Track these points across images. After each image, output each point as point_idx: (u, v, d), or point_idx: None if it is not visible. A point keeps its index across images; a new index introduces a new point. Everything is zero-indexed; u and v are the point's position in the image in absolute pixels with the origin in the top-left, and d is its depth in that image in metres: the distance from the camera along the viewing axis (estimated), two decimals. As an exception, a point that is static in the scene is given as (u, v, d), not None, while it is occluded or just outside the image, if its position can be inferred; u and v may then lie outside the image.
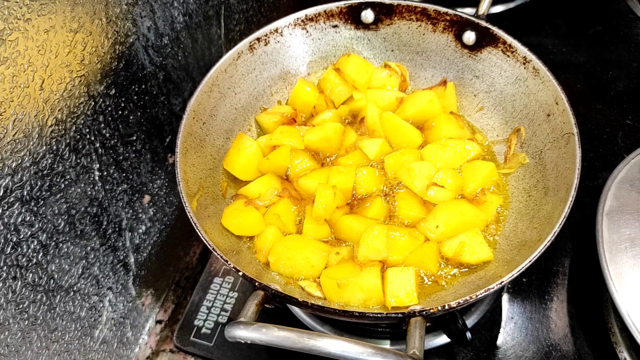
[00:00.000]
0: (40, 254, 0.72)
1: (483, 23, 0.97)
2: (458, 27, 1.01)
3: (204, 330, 0.99)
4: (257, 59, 1.03)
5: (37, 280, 0.72)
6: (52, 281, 0.75)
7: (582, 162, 0.79)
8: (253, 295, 0.69)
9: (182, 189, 0.81)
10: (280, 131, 0.98)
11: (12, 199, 0.66)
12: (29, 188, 0.68)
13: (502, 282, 0.69)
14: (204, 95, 0.93)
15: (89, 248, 0.82)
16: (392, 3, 1.03)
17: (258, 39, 1.01)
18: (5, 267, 0.66)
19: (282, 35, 1.04)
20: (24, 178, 0.67)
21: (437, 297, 0.81)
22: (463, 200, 0.89)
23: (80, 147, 0.77)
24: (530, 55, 0.93)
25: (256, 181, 0.93)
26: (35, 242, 0.71)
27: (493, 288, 0.68)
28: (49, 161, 0.71)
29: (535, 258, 0.70)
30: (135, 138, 0.91)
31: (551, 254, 1.03)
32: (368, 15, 1.05)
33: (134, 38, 0.85)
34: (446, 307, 0.67)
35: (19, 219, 0.67)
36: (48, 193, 0.72)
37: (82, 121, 0.77)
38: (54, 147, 0.72)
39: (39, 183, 0.70)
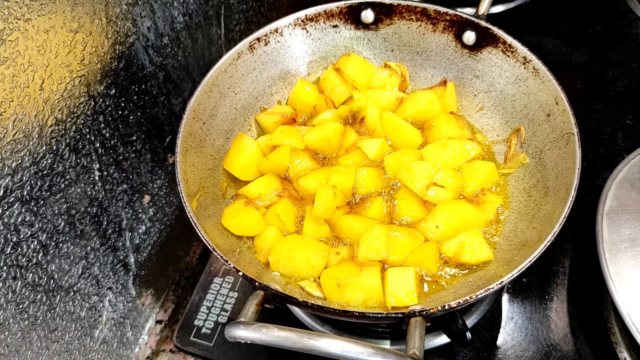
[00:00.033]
0: (40, 254, 0.72)
1: (483, 23, 0.97)
2: (458, 27, 1.01)
3: (204, 330, 0.99)
4: (257, 59, 1.03)
5: (37, 280, 0.72)
6: (52, 281, 0.75)
7: (582, 162, 0.79)
8: (253, 295, 0.69)
9: (182, 189, 0.81)
10: (280, 131, 0.98)
11: (12, 199, 0.66)
12: (29, 188, 0.68)
13: (502, 282, 0.69)
14: (204, 95, 0.93)
15: (89, 248, 0.82)
16: (392, 3, 1.03)
17: (258, 39, 1.01)
18: (5, 267, 0.66)
19: (282, 35, 1.04)
20: (24, 178, 0.67)
21: (437, 297, 0.81)
22: (463, 200, 0.89)
23: (80, 147, 0.77)
24: (530, 55, 0.93)
25: (256, 181, 0.93)
26: (35, 242, 0.71)
27: (493, 288, 0.68)
28: (49, 161, 0.71)
29: (535, 258, 0.70)
30: (135, 138, 0.91)
31: (551, 254, 1.03)
32: (368, 15, 1.05)
33: (134, 38, 0.85)
34: (446, 307, 0.67)
35: (19, 219, 0.67)
36: (48, 193, 0.72)
37: (82, 121, 0.77)
38: (54, 147, 0.72)
39: (39, 183, 0.70)
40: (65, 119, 0.73)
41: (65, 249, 0.77)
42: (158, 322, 1.05)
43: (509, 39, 0.95)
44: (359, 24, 1.07)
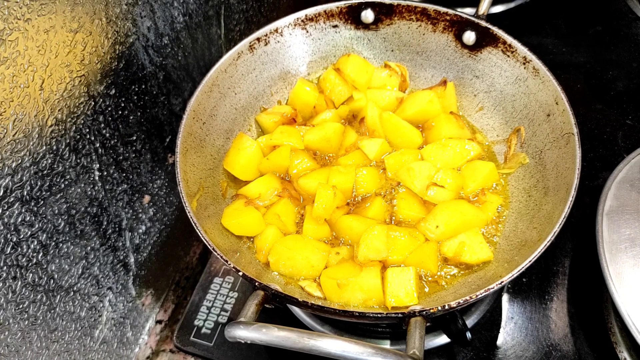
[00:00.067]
0: (40, 254, 0.72)
1: (483, 23, 0.97)
2: (458, 27, 1.01)
3: (204, 330, 0.99)
4: (257, 59, 1.03)
5: (37, 280, 0.72)
6: (52, 281, 0.75)
7: (582, 162, 0.79)
8: (253, 295, 0.69)
9: (182, 189, 0.81)
10: (280, 131, 0.98)
11: (12, 199, 0.66)
12: (29, 188, 0.68)
13: (502, 282, 0.69)
14: (204, 95, 0.93)
15: (89, 248, 0.82)
16: (392, 3, 1.03)
17: (258, 39, 1.01)
18: (5, 267, 0.66)
19: (282, 35, 1.04)
20: (24, 178, 0.67)
21: (437, 297, 0.81)
22: (463, 200, 0.89)
23: (80, 147, 0.77)
24: (530, 55, 0.93)
25: (256, 181, 0.93)
26: (35, 242, 0.71)
27: (493, 288, 0.68)
28: (49, 161, 0.71)
29: (535, 258, 0.70)
30: (135, 138, 0.91)
31: (551, 254, 1.03)
32: (368, 15, 1.05)
33: (134, 38, 0.85)
34: (446, 307, 0.67)
35: (19, 219, 0.67)
36: (48, 193, 0.72)
37: (82, 121, 0.77)
38: (54, 147, 0.72)
39: (39, 183, 0.70)
40: (65, 119, 0.73)
41: (65, 249, 0.77)
42: (158, 322, 1.05)
43: (509, 39, 0.95)
44: (359, 24, 1.07)
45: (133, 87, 0.88)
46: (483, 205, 0.89)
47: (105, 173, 0.84)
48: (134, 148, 0.91)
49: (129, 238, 0.93)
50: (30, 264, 0.70)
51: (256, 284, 0.70)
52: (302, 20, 1.05)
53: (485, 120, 1.03)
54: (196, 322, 1.00)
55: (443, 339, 0.91)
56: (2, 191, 0.64)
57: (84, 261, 0.81)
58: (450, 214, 0.85)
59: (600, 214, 0.89)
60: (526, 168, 0.92)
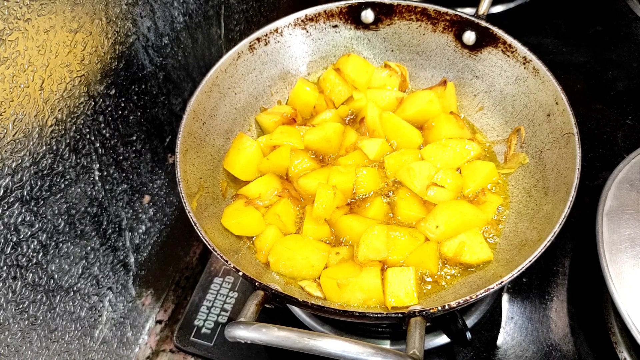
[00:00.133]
0: (40, 254, 0.72)
1: (483, 23, 0.97)
2: (458, 27, 1.01)
3: (204, 330, 0.99)
4: (257, 59, 1.03)
5: (37, 280, 0.72)
6: (52, 281, 0.75)
7: (582, 162, 0.79)
8: (253, 295, 0.69)
9: (182, 189, 0.81)
10: (280, 131, 0.98)
11: (12, 199, 0.66)
12: (29, 188, 0.68)
13: (502, 282, 0.69)
14: (204, 95, 0.93)
15: (89, 248, 0.82)
16: (392, 3, 1.03)
17: (258, 39, 1.01)
18: (5, 267, 0.66)
19: (282, 35, 1.04)
20: (24, 178, 0.67)
21: (437, 297, 0.81)
22: (463, 200, 0.89)
23: (80, 147, 0.77)
24: (530, 55, 0.93)
25: (256, 181, 0.93)
26: (35, 242, 0.71)
27: (493, 288, 0.68)
28: (49, 161, 0.71)
29: (535, 258, 0.70)
30: (135, 138, 0.91)
31: (551, 254, 1.03)
32: (368, 15, 1.05)
33: (134, 38, 0.85)
34: (446, 307, 0.67)
35: (19, 219, 0.67)
36: (48, 193, 0.72)
37: (82, 121, 0.77)
38: (54, 147, 0.72)
39: (39, 183, 0.70)
40: (65, 119, 0.73)
41: (65, 249, 0.77)
42: (158, 322, 1.05)
43: (509, 39, 0.95)
44: (359, 24, 1.07)
45: (133, 87, 0.88)
46: (483, 205, 0.89)
47: (105, 173, 0.84)
48: (134, 148, 0.91)
49: (129, 238, 0.93)
50: (30, 264, 0.70)
51: (256, 284, 0.70)
52: (302, 20, 1.05)
53: (485, 120, 1.03)
54: (196, 322, 1.00)
55: (443, 339, 0.91)
56: (2, 191, 0.64)
57: (84, 261, 0.81)
58: (450, 214, 0.85)
59: (600, 214, 0.89)
60: (526, 168, 0.92)
